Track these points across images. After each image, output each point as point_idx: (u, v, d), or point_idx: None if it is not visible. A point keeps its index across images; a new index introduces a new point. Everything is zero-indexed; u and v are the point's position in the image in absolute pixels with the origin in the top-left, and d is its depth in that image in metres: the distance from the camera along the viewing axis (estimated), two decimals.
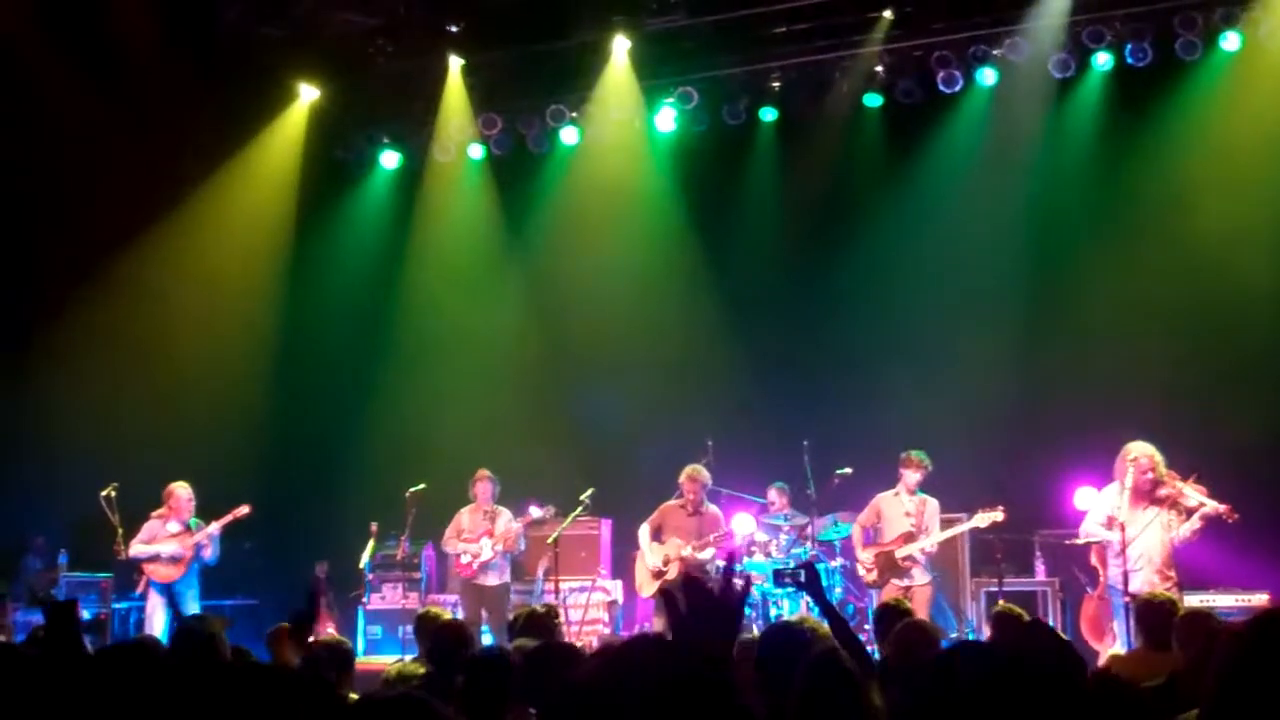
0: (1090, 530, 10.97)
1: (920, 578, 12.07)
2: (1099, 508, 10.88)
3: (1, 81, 14.14)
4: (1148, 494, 10.49)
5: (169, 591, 12.91)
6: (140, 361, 15.53)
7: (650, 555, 12.58)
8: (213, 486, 13.51)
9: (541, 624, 7.98)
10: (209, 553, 13.09)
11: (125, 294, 15.31)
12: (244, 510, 13.22)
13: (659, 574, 12.45)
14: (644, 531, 12.71)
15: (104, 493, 13.24)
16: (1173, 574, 10.40)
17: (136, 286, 15.42)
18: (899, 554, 12.11)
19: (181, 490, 13.16)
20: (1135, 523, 10.47)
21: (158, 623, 12.80)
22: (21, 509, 14.81)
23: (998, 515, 12.06)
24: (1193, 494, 10.38)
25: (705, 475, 12.66)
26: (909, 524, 12.15)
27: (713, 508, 12.73)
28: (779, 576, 8.97)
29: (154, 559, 12.99)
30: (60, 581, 14.03)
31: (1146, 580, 10.29)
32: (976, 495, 12.33)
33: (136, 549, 13.04)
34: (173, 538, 13.01)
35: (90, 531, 13.57)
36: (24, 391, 15.02)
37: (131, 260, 15.37)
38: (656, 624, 12.22)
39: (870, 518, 12.49)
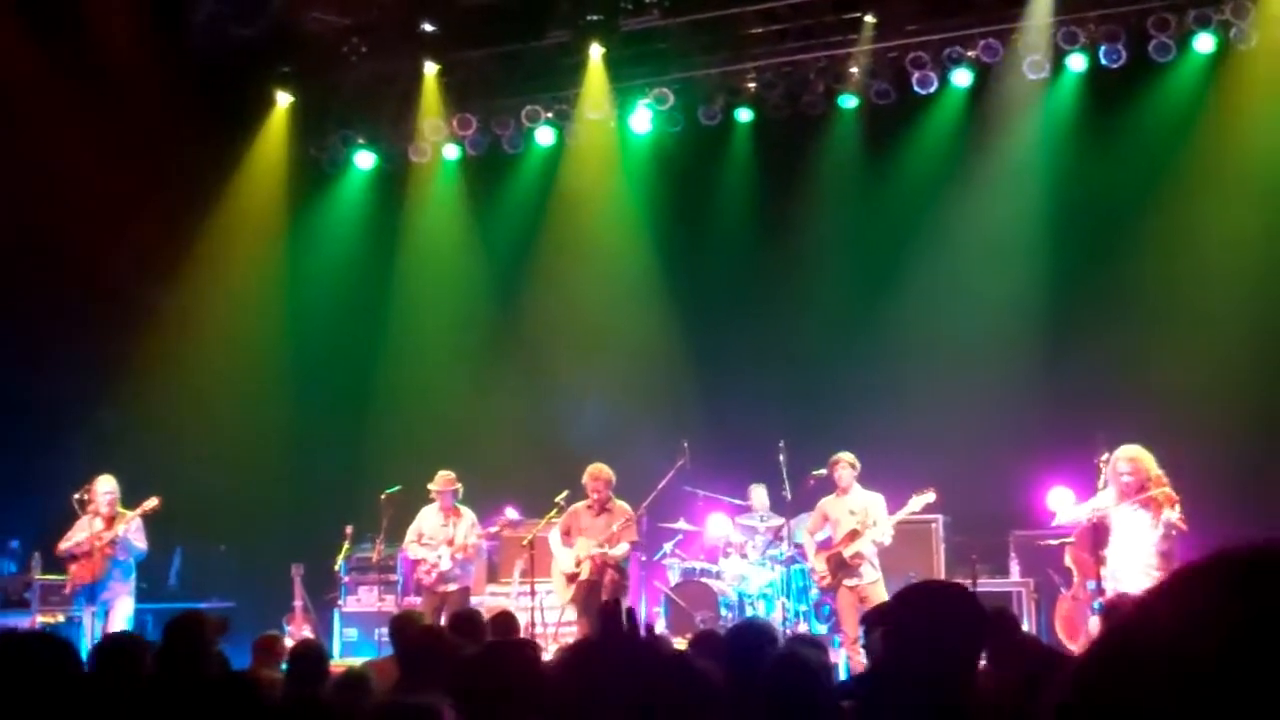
0: (1069, 516, 11.15)
1: (869, 575, 12.05)
2: (1086, 504, 11.02)
3: None
4: (1133, 496, 10.54)
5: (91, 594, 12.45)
6: (117, 363, 15.43)
7: (561, 560, 12.43)
8: (186, 488, 13.42)
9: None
10: (121, 551, 12.54)
11: (104, 296, 15.19)
12: (153, 503, 12.68)
13: (573, 577, 12.30)
14: (554, 536, 12.54)
15: (76, 495, 13.08)
16: (1160, 574, 10.40)
17: (110, 289, 15.30)
18: (847, 552, 12.13)
19: (99, 484, 12.68)
20: (1121, 523, 10.55)
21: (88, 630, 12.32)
22: None
23: (930, 496, 12.23)
24: (1163, 498, 10.45)
25: (608, 473, 12.46)
26: (855, 521, 12.17)
27: (620, 504, 12.53)
28: None
29: (71, 558, 12.60)
30: (34, 585, 13.88)
31: (1134, 580, 10.34)
32: (949, 494, 12.38)
33: (62, 546, 12.64)
34: (95, 534, 12.53)
35: (63, 535, 13.42)
36: None
37: (116, 267, 15.25)
38: (580, 630, 12.10)
39: (817, 524, 12.53)
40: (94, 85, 14.49)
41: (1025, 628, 12.07)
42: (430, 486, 13.08)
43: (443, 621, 12.42)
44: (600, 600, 12.21)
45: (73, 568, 12.66)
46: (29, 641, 4.51)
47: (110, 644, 5.82)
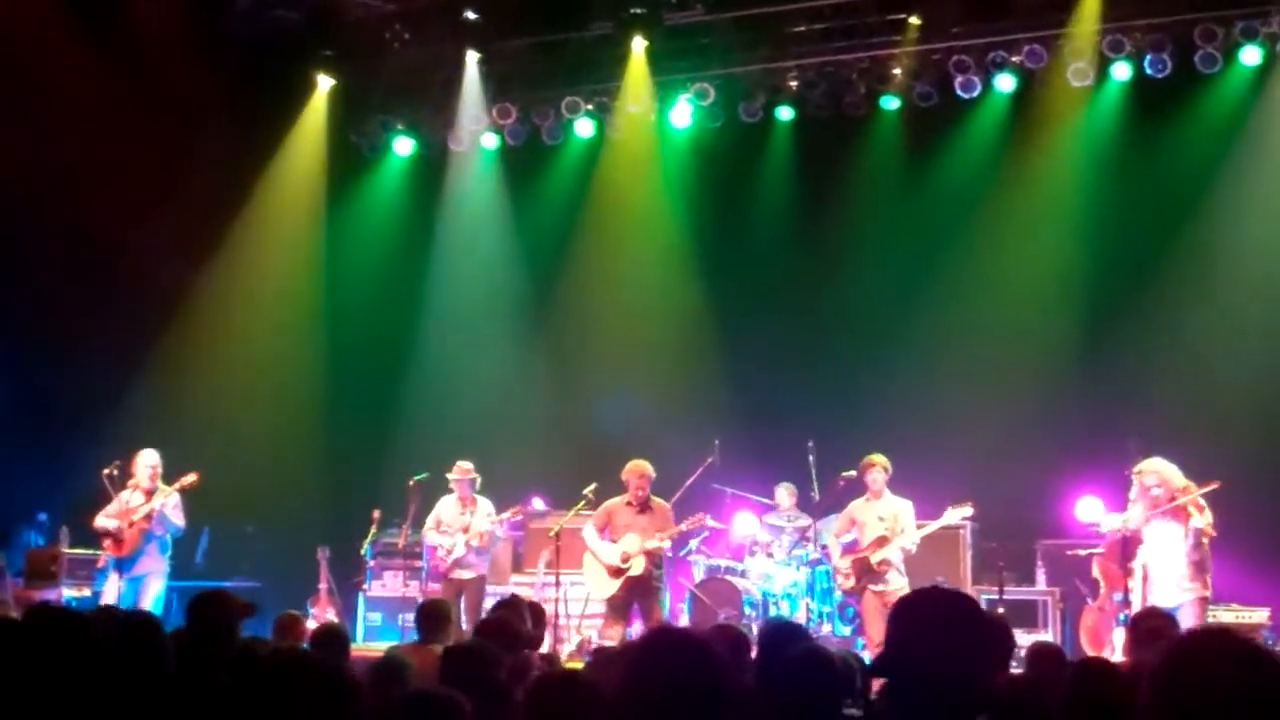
0: (1109, 524, 11.17)
1: (896, 581, 11.93)
2: (1119, 516, 11.03)
3: (24, 83, 14.14)
4: (1164, 507, 10.49)
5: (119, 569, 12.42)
6: (149, 345, 15.51)
7: (604, 554, 12.27)
8: (214, 468, 13.43)
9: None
10: (158, 526, 12.57)
11: (138, 279, 15.26)
12: (191, 478, 12.72)
13: (620, 571, 12.15)
14: (590, 531, 12.42)
15: (106, 471, 13.08)
16: (1195, 586, 10.36)
17: (144, 272, 15.37)
18: (874, 558, 12.04)
19: (141, 456, 12.74)
20: (1153, 537, 10.51)
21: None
22: (25, 484, 14.78)
23: (967, 510, 12.18)
24: (1191, 508, 10.40)
25: (651, 470, 12.36)
26: (883, 528, 12.08)
27: (659, 501, 12.47)
28: None
29: (105, 533, 12.61)
30: (62, 559, 13.94)
31: (1167, 594, 10.29)
32: (978, 500, 12.31)
33: (97, 521, 12.67)
34: (129, 509, 12.54)
35: (92, 509, 13.49)
36: (30, 368, 14.98)
37: (150, 251, 15.32)
38: (608, 631, 12.07)
39: (844, 527, 12.46)
40: (133, 68, 14.54)
41: (1050, 637, 12.05)
42: (449, 476, 13.14)
43: (462, 608, 12.55)
44: (650, 594, 12.22)
45: (107, 541, 12.67)
46: (45, 620, 4.50)
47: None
